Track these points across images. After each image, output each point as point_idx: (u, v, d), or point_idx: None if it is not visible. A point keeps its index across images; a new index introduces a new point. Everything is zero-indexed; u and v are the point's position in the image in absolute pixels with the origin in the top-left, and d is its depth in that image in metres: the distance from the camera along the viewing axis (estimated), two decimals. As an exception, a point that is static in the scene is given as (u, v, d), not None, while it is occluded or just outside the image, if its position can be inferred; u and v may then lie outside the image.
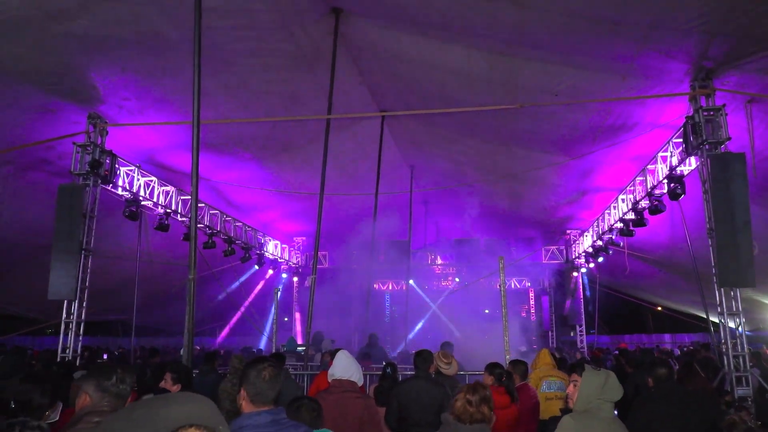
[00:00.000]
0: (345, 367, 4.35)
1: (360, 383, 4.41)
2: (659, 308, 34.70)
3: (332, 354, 9.71)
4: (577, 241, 18.19)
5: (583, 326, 18.70)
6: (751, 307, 16.21)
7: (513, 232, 18.87)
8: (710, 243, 8.64)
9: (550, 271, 22.25)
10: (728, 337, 8.26)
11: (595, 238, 15.78)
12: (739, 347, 8.24)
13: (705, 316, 21.77)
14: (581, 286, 19.14)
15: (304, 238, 21.44)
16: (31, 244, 14.53)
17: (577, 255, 18.17)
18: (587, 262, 17.29)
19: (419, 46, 10.45)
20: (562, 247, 19.27)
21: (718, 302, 8.52)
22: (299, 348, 12.58)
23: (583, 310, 18.75)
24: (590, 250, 16.40)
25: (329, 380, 4.41)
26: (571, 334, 24.66)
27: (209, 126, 12.15)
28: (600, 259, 16.30)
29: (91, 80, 9.75)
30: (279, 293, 10.54)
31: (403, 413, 4.81)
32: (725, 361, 8.34)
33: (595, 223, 15.56)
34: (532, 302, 24.26)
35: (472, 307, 24.24)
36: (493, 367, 5.16)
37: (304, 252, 21.83)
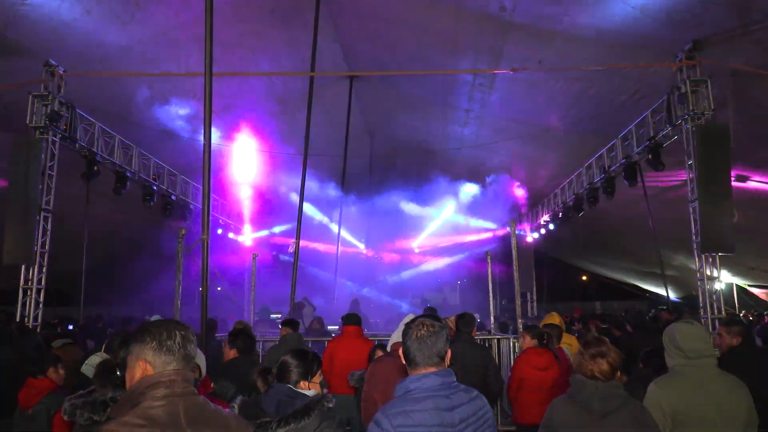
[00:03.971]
0: None
1: None
2: (584, 277, 36.44)
3: (320, 320, 9.51)
4: (532, 211, 18.56)
5: (534, 294, 19.22)
6: (685, 274, 17.11)
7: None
8: (691, 211, 8.96)
9: (495, 239, 22.64)
10: (707, 301, 8.64)
11: (554, 207, 16.10)
12: (715, 311, 8.65)
13: (637, 284, 22.96)
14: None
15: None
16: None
17: (530, 223, 18.56)
18: (539, 230, 17.67)
19: (406, 4, 10.12)
20: (515, 216, 19.58)
21: (697, 268, 8.86)
22: (273, 316, 12.20)
23: (534, 279, 19.25)
24: (547, 219, 16.74)
25: (390, 346, 4.19)
26: (502, 302, 25.36)
27: (169, 79, 11.40)
28: (552, 227, 16.63)
29: (50, 23, 8.78)
30: (256, 258, 10.08)
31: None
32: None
33: (555, 192, 15.87)
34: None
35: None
36: (533, 329, 5.08)
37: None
